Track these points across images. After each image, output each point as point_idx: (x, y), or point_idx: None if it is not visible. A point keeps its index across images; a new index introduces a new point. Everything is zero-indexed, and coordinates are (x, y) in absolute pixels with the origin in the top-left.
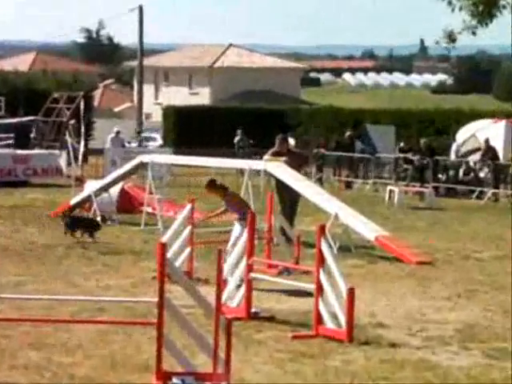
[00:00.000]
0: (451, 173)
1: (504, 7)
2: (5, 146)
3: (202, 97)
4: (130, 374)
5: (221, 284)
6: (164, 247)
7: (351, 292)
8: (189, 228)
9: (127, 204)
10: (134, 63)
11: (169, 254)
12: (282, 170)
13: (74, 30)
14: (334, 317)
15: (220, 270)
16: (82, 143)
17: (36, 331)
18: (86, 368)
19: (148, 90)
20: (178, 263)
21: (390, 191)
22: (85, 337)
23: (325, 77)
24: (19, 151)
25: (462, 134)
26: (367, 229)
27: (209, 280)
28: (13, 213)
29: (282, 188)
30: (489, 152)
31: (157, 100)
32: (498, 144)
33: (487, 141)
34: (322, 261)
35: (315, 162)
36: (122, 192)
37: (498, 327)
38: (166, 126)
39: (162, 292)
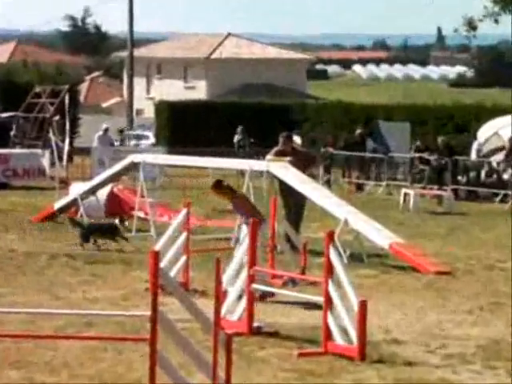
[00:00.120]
0: (472, 174)
1: None
2: None
3: (198, 91)
4: None
5: (220, 296)
6: (157, 255)
7: (363, 305)
8: (184, 234)
9: (117, 208)
10: (124, 54)
11: (162, 263)
12: (286, 171)
13: (58, 17)
14: (344, 332)
15: (219, 281)
16: (67, 141)
17: (16, 348)
18: None
19: (139, 83)
20: (172, 273)
21: (405, 194)
22: (70, 354)
23: (332, 69)
24: None
25: (484, 131)
26: (380, 235)
27: (206, 291)
28: None
29: (287, 191)
30: None
31: (149, 94)
32: None
33: None
34: (330, 271)
35: (323, 163)
36: (111, 195)
37: None
38: (159, 123)
39: (156, 305)
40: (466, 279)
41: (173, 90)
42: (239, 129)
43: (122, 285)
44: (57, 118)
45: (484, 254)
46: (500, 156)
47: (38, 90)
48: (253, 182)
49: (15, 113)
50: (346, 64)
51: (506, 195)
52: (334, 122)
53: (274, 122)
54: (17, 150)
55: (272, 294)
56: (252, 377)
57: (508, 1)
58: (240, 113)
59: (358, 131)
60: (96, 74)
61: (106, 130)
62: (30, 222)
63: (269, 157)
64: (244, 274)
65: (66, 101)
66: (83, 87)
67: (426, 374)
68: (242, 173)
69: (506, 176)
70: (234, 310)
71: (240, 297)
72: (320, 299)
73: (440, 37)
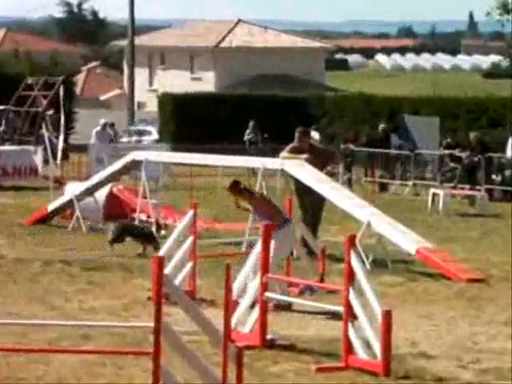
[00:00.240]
0: (507, 173)
1: None
2: None
3: (206, 82)
4: None
5: (230, 305)
6: (161, 261)
7: (387, 315)
8: (191, 239)
9: (116, 210)
10: (124, 43)
11: (167, 270)
12: (302, 170)
13: (52, 2)
14: (367, 345)
15: (228, 289)
16: (62, 138)
17: (6, 363)
18: None
19: (140, 74)
20: (177, 280)
21: (434, 195)
22: (65, 370)
23: (353, 58)
24: None
25: None
26: (406, 239)
27: (215, 301)
28: None
29: (303, 191)
30: None
31: (151, 86)
32: None
33: None
34: (351, 278)
35: (343, 160)
36: (110, 196)
37: None
38: (163, 118)
39: (159, 315)
40: (501, 287)
41: (177, 81)
42: (251, 124)
43: (123, 293)
44: (50, 112)
45: None
46: None
47: (29, 81)
48: (266, 181)
49: (5, 106)
50: (369, 53)
51: None
52: (355, 116)
53: (289, 116)
54: (6, 147)
55: (289, 306)
56: None
57: None
58: (251, 106)
59: (382, 126)
60: (93, 64)
61: (105, 125)
62: (21, 225)
63: (283, 154)
64: (256, 282)
65: (61, 93)
66: (79, 78)
67: None
68: (253, 172)
69: None
70: (245, 321)
71: (252, 306)
72: (340, 309)
73: (472, 23)
